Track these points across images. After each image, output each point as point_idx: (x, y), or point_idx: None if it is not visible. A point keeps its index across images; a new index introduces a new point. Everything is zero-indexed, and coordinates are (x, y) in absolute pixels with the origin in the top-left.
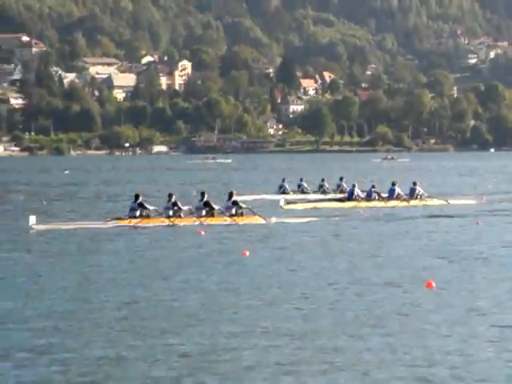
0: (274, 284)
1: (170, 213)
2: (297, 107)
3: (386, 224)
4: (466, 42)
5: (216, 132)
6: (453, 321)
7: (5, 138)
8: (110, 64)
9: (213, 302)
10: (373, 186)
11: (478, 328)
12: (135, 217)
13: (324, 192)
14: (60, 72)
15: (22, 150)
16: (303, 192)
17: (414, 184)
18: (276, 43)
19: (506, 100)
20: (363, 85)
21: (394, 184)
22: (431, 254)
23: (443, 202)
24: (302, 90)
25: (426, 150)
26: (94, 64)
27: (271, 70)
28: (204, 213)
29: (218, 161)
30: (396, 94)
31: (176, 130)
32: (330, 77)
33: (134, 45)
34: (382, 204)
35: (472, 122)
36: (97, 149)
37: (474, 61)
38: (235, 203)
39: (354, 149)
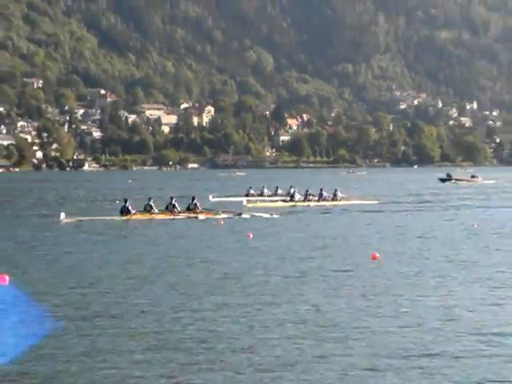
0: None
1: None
2: (285, 137)
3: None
4: (398, 93)
5: (230, 154)
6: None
7: (89, 159)
8: (159, 109)
9: None
10: (321, 190)
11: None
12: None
13: (276, 195)
14: (126, 114)
15: (100, 167)
16: (262, 195)
17: (335, 190)
18: (270, 94)
19: (425, 132)
20: (329, 123)
21: (321, 189)
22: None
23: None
24: (288, 126)
25: (371, 167)
26: (148, 109)
27: (267, 113)
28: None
29: (237, 173)
30: (351, 128)
31: (203, 152)
32: (307, 117)
33: (175, 96)
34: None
35: (402, 148)
36: (150, 165)
37: (403, 106)
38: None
39: (324, 165)
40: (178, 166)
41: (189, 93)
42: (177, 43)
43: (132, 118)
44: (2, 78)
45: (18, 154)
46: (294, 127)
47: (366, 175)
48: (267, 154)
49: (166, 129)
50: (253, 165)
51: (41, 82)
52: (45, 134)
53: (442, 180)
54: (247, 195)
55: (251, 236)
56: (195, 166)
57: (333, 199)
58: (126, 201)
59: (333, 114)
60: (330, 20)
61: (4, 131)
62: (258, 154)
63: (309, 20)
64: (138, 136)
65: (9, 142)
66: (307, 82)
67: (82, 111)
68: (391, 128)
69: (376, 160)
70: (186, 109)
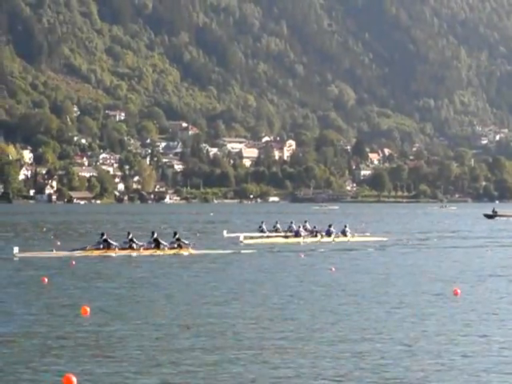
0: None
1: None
2: (366, 172)
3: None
4: (480, 128)
5: (311, 188)
6: None
7: (170, 191)
8: (240, 142)
9: None
10: (329, 226)
11: None
12: (99, 249)
13: (277, 231)
14: (207, 147)
15: (181, 199)
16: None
17: (343, 227)
18: (352, 129)
19: (506, 168)
20: (410, 157)
21: (330, 226)
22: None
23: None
24: (369, 161)
25: (452, 201)
26: (229, 142)
27: (349, 147)
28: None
29: (329, 207)
30: (432, 163)
31: (284, 186)
32: (388, 152)
33: (256, 129)
34: (322, 240)
35: (483, 183)
36: (231, 198)
37: (485, 141)
38: (178, 239)
39: (404, 200)
40: (259, 199)
41: (270, 126)
42: (259, 77)
43: (213, 151)
44: (85, 110)
45: (100, 186)
46: (375, 162)
47: (457, 210)
48: (348, 188)
49: (247, 162)
50: (333, 199)
51: (123, 114)
52: (127, 167)
53: (488, 216)
54: (261, 231)
55: (333, 269)
56: (276, 199)
57: (342, 235)
58: (102, 234)
59: (414, 149)
60: (412, 55)
61: (86, 163)
62: (338, 188)
63: (391, 54)
64: (219, 169)
65: (91, 174)
66: (389, 116)
67: (163, 144)
68: (472, 163)
69: (457, 195)
70: (267, 142)
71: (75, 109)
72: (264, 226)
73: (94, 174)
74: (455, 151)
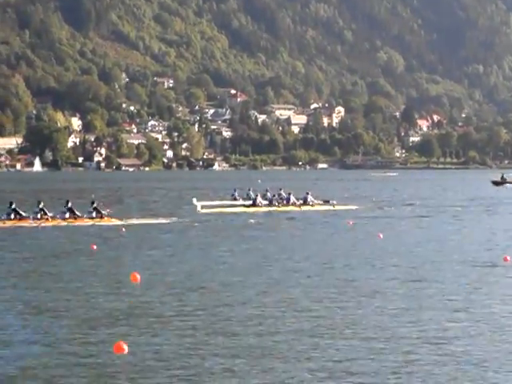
0: None
1: (66, 215)
2: (415, 138)
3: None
4: None
5: (360, 155)
6: None
7: (219, 158)
8: (289, 109)
9: None
10: (307, 193)
11: None
12: (10, 219)
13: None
14: (256, 114)
15: (230, 166)
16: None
17: (307, 193)
18: (400, 95)
19: None
20: (459, 124)
21: (289, 194)
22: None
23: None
24: (418, 127)
25: (502, 168)
26: (278, 109)
27: (397, 114)
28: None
29: (388, 174)
30: (481, 130)
31: (333, 153)
32: (437, 118)
33: (305, 96)
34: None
35: None
36: (280, 165)
37: None
38: (95, 209)
39: (453, 167)
40: (308, 166)
41: (319, 93)
42: (307, 43)
43: (262, 117)
44: (134, 77)
45: (149, 153)
46: (424, 128)
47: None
48: (397, 154)
49: (295, 129)
50: (382, 165)
51: (171, 81)
52: (175, 134)
53: (496, 183)
54: (233, 198)
55: (381, 236)
56: (325, 166)
57: (303, 204)
58: (11, 204)
59: (463, 115)
60: (461, 21)
61: (135, 130)
62: (387, 155)
63: (440, 20)
64: (267, 136)
65: (139, 141)
66: (437, 82)
67: (212, 111)
68: None
69: (507, 161)
70: (315, 109)
71: (123, 76)
72: (236, 194)
73: (143, 141)
74: (504, 117)
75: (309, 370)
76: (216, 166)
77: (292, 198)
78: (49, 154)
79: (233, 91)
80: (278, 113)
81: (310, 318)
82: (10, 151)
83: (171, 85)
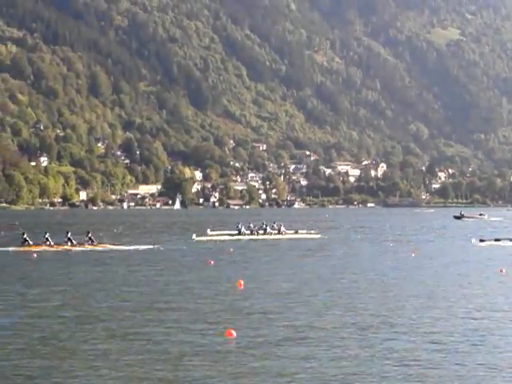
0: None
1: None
2: (435, 185)
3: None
4: None
5: (397, 197)
6: None
7: (298, 199)
8: (347, 164)
9: None
10: (265, 225)
11: None
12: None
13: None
14: (323, 169)
15: (306, 205)
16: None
17: (280, 225)
18: (426, 155)
19: None
20: (467, 175)
21: (266, 225)
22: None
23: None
24: (438, 178)
25: (497, 206)
26: (339, 164)
27: (423, 168)
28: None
29: (426, 211)
30: (483, 179)
31: (378, 196)
32: (451, 171)
33: (358, 155)
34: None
35: None
36: (340, 204)
37: None
38: (90, 238)
39: (463, 205)
40: (360, 205)
41: (368, 154)
42: (360, 118)
43: (328, 171)
44: (238, 143)
45: (249, 196)
46: (443, 178)
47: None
48: (423, 197)
49: (352, 179)
50: (413, 204)
51: (265, 145)
52: (267, 182)
53: (456, 217)
54: (239, 232)
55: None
56: (372, 204)
57: (277, 233)
58: (23, 233)
59: (470, 169)
60: (468, 103)
61: (239, 180)
62: (416, 197)
63: (453, 102)
64: (332, 184)
65: (242, 188)
66: (451, 146)
67: (293, 166)
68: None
69: (500, 201)
70: (366, 165)
71: (231, 142)
72: (239, 226)
73: (245, 187)
74: (499, 171)
75: None
76: (296, 205)
77: (268, 229)
78: (179, 197)
79: (307, 152)
80: (339, 167)
81: None
82: (152, 195)
83: (264, 148)
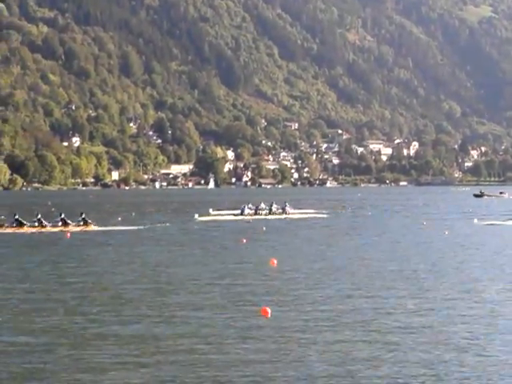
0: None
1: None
2: (468, 164)
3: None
4: None
5: (430, 176)
6: None
7: (330, 178)
8: (379, 143)
9: None
10: (270, 205)
11: None
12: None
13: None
14: (356, 147)
15: (337, 184)
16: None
17: (285, 203)
18: (458, 133)
19: None
20: (500, 153)
21: (271, 204)
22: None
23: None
24: (470, 156)
25: None
26: (371, 143)
27: (456, 146)
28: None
29: (463, 189)
30: None
31: (410, 174)
32: (484, 149)
33: (391, 134)
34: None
35: None
36: (373, 183)
37: None
38: (83, 219)
39: (496, 184)
40: (393, 184)
41: (400, 132)
42: (392, 97)
43: (360, 150)
44: (270, 122)
45: (281, 175)
46: (475, 156)
47: None
48: (456, 175)
49: (384, 157)
50: (445, 183)
51: (297, 125)
52: (299, 161)
53: (477, 196)
54: (242, 213)
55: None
56: (405, 183)
57: (282, 213)
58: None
59: (502, 147)
60: (500, 80)
61: (271, 159)
62: (449, 176)
63: (486, 80)
64: (364, 162)
65: (274, 167)
66: (484, 124)
67: (325, 145)
68: None
69: None
70: (398, 143)
71: (263, 121)
72: (243, 207)
73: (277, 166)
74: None
75: None
76: (328, 184)
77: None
78: (213, 176)
79: (339, 131)
80: (371, 146)
81: None
82: (184, 174)
83: (296, 127)
